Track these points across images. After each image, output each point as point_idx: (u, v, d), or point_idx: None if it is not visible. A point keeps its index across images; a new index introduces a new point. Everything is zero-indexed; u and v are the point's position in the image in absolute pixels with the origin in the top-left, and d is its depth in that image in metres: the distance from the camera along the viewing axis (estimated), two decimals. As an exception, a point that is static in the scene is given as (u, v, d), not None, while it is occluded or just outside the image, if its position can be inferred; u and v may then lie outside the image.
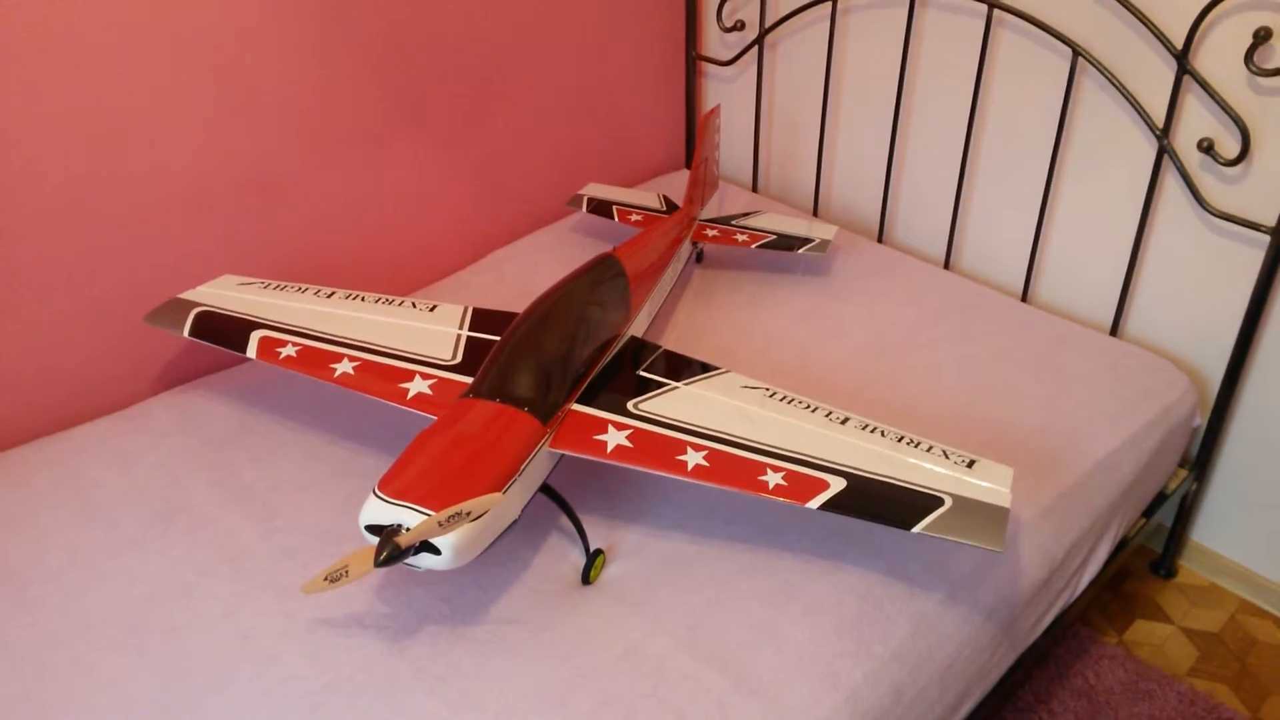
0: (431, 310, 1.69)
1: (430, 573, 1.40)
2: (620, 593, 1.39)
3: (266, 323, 1.64)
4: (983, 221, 2.16)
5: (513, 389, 1.40)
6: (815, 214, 2.45)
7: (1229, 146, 1.74)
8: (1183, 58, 1.72)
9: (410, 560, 1.23)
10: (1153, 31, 1.74)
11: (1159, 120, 1.80)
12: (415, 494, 1.24)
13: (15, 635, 1.33)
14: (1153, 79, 1.79)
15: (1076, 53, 1.84)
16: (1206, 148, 1.75)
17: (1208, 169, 1.79)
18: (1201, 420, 1.93)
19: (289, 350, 1.59)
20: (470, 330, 1.65)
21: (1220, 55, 1.70)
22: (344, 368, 1.55)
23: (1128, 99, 1.82)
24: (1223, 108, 1.71)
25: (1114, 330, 2.00)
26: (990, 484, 1.34)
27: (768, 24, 2.32)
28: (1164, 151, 1.81)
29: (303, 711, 1.23)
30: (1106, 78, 1.83)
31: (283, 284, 1.75)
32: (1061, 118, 1.91)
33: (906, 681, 1.33)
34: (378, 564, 1.19)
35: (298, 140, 1.90)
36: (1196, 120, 1.77)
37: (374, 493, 1.25)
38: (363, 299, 1.72)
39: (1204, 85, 1.71)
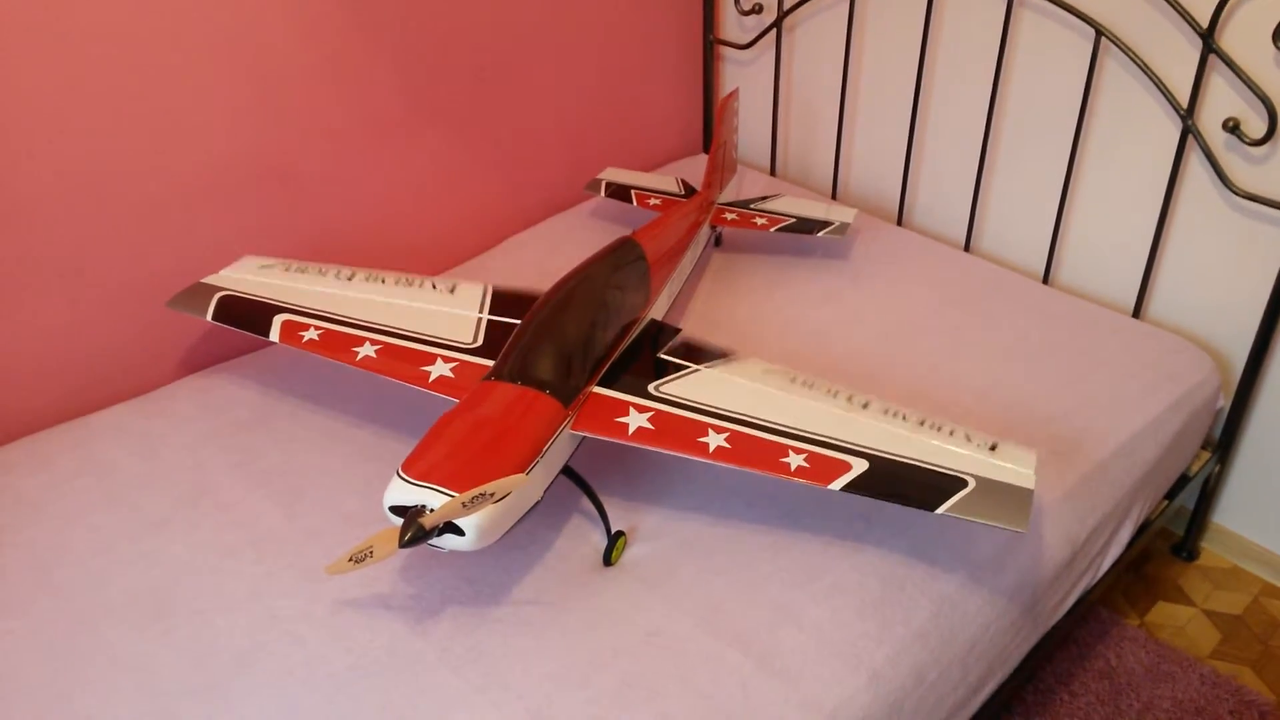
0: (451, 291, 1.69)
1: (454, 554, 1.41)
2: (642, 574, 1.39)
3: (289, 306, 1.65)
4: (1004, 203, 2.14)
5: (534, 372, 1.41)
6: (834, 197, 2.44)
7: (1255, 126, 1.73)
8: (1208, 37, 1.70)
9: (434, 541, 1.24)
10: (1178, 10, 1.73)
11: (1183, 100, 1.79)
12: (439, 475, 1.24)
13: (41, 620, 1.34)
14: (1177, 58, 1.78)
15: (1099, 33, 1.82)
16: (1232, 127, 1.74)
17: (1233, 149, 1.77)
18: (1225, 402, 1.92)
19: (311, 334, 1.59)
20: (491, 313, 1.65)
21: (1247, 34, 1.68)
22: (366, 351, 1.56)
23: (1151, 79, 1.80)
24: (1249, 87, 1.69)
25: (1137, 312, 1.99)
26: (1014, 466, 1.34)
27: (786, 6, 2.31)
28: (1188, 131, 1.79)
29: (328, 692, 1.23)
30: (1130, 58, 1.81)
31: (304, 265, 1.75)
32: (1084, 98, 1.89)
33: (929, 662, 1.33)
34: (402, 545, 1.19)
35: (316, 128, 1.91)
36: (1222, 100, 1.75)
37: (398, 474, 1.26)
38: (383, 280, 1.72)
39: (1230, 64, 1.70)
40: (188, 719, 1.21)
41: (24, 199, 1.61)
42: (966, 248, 2.22)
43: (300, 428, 1.67)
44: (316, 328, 1.60)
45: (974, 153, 2.14)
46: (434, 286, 1.71)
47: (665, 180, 2.27)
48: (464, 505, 1.18)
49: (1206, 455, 1.95)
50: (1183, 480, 1.90)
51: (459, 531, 1.23)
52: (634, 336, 1.60)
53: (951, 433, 1.40)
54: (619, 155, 2.48)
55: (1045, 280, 2.11)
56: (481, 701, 1.21)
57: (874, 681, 1.27)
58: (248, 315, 1.64)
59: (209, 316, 1.65)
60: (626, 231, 2.17)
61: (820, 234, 2.04)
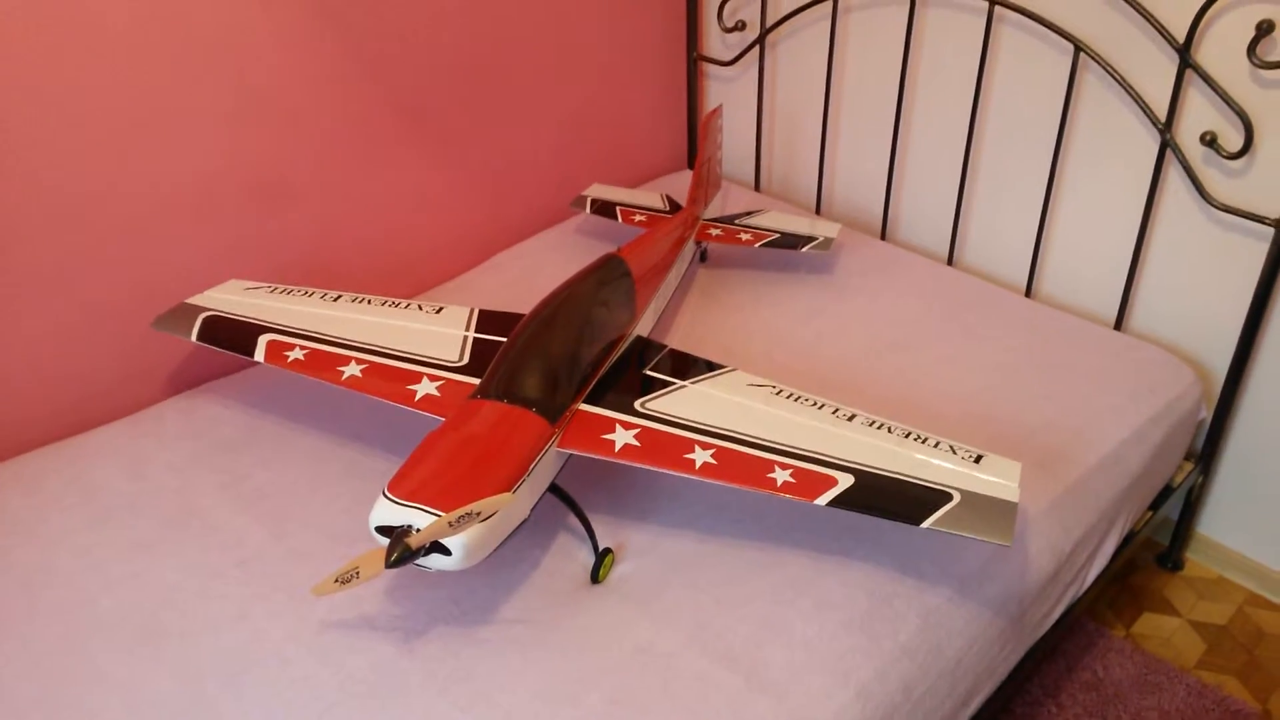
0: (438, 312, 1.70)
1: (441, 573, 1.41)
2: (630, 591, 1.39)
3: (274, 326, 1.65)
4: (986, 218, 2.16)
5: (520, 390, 1.41)
6: (818, 212, 2.45)
7: (1232, 139, 1.75)
8: (1185, 51, 1.72)
9: (421, 561, 1.24)
10: (1155, 26, 1.75)
11: (1161, 114, 1.80)
12: (425, 495, 1.24)
13: (28, 640, 1.34)
14: (1155, 73, 1.80)
15: (1078, 48, 1.84)
16: (1209, 141, 1.76)
17: (1211, 162, 1.79)
18: (1207, 413, 1.93)
19: (297, 354, 1.59)
20: (477, 332, 1.65)
21: (1223, 48, 1.70)
22: (352, 370, 1.56)
23: (1130, 94, 1.82)
24: (1225, 101, 1.71)
25: (1118, 324, 2.01)
26: (998, 479, 1.35)
27: (769, 24, 2.32)
28: (1167, 145, 1.81)
29: (315, 713, 1.23)
30: (1108, 73, 1.83)
31: (289, 288, 1.76)
32: (1064, 113, 1.91)
33: (916, 676, 1.34)
34: (388, 565, 1.19)
35: (303, 144, 1.91)
36: (1199, 114, 1.77)
37: (384, 494, 1.26)
38: (369, 302, 1.72)
39: (1206, 79, 1.72)
40: (175, 742, 1.21)
41: (6, 218, 1.61)
42: (950, 261, 2.23)
43: (287, 448, 1.67)
44: (302, 347, 1.60)
45: (956, 167, 2.16)
46: (420, 308, 1.72)
47: (650, 196, 2.28)
48: (450, 525, 1.18)
49: (1189, 466, 1.96)
50: (1167, 491, 1.91)
51: (446, 551, 1.23)
52: (620, 353, 1.61)
53: (936, 445, 1.40)
54: (604, 171, 2.49)
55: (1028, 293, 2.12)
56: (470, 721, 1.22)
57: (862, 696, 1.28)
58: (232, 336, 1.64)
59: (194, 337, 1.65)
60: (612, 248, 2.18)
61: (805, 249, 2.05)
